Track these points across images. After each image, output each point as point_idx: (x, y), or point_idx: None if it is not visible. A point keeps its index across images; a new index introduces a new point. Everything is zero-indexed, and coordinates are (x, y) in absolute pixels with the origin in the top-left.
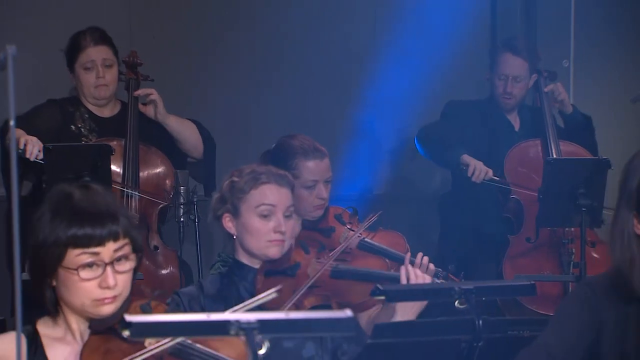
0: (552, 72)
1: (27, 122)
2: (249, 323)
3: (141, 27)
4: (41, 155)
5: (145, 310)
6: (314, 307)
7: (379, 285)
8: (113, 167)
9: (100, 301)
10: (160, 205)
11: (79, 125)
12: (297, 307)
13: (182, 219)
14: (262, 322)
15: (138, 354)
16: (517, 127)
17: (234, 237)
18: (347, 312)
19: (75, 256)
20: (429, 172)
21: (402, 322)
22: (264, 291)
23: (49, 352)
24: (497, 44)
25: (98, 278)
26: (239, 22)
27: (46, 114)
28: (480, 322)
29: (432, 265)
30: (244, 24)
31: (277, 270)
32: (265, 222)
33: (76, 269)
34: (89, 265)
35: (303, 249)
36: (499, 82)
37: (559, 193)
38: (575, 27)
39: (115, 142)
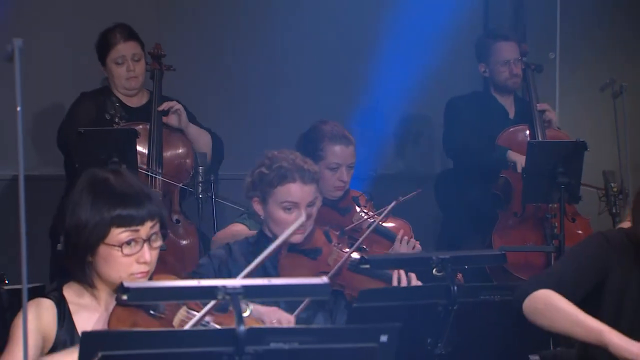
0: (539, 65)
1: (71, 123)
2: (234, 288)
3: (167, 22)
4: None
5: None
6: None
7: (364, 255)
8: (139, 148)
9: (134, 275)
10: (181, 184)
11: (112, 113)
12: None
13: (200, 196)
14: (246, 288)
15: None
16: (511, 114)
17: (262, 217)
18: (323, 279)
19: (118, 234)
20: (427, 154)
21: (385, 288)
22: (285, 264)
23: (76, 318)
24: (486, 37)
25: (137, 254)
26: (255, 20)
27: (83, 110)
28: (455, 288)
29: (418, 245)
30: (260, 23)
31: (299, 248)
32: (288, 214)
33: (120, 246)
34: (129, 242)
35: (327, 237)
36: (503, 69)
37: (540, 172)
38: (561, 22)
39: (140, 126)
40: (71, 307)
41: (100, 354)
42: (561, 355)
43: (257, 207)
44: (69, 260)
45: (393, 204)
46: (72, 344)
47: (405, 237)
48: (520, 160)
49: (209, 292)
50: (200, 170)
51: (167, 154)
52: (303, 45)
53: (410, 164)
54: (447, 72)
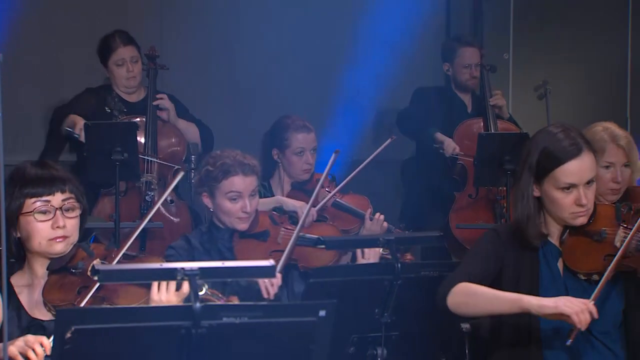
0: (493, 66)
1: (70, 108)
2: (192, 270)
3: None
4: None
5: (84, 249)
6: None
7: (320, 237)
8: (138, 139)
9: (53, 240)
10: (174, 168)
11: (112, 107)
12: None
13: (192, 180)
14: (202, 269)
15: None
16: (469, 109)
17: (211, 210)
18: (270, 261)
19: (32, 204)
20: (399, 143)
21: (337, 265)
22: (239, 249)
23: (21, 297)
24: (452, 41)
25: (50, 220)
26: (242, 22)
27: (83, 100)
28: (399, 265)
29: (385, 223)
30: (247, 26)
31: (249, 234)
32: (234, 204)
33: (32, 212)
34: (42, 211)
35: (272, 220)
36: (465, 70)
37: (489, 160)
38: (514, 25)
39: (138, 119)
40: (17, 289)
41: (73, 328)
42: (488, 323)
43: (207, 201)
44: (6, 240)
45: (333, 156)
46: (19, 318)
47: (377, 216)
48: (447, 141)
49: (169, 273)
50: (192, 158)
51: (162, 143)
52: (289, 46)
53: (385, 150)
54: (414, 70)
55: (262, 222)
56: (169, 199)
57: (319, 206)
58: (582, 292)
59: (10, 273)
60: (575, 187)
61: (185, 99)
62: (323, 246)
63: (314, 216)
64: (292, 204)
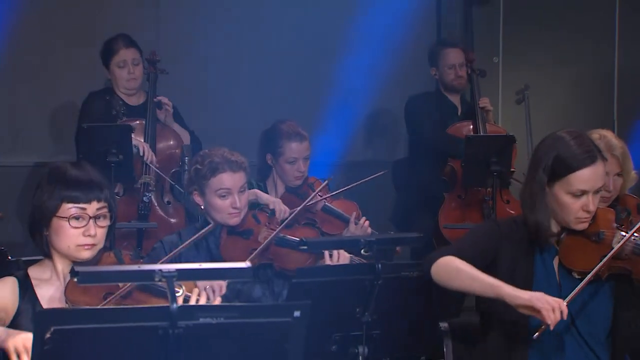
0: (482, 71)
1: (85, 118)
2: (169, 272)
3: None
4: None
5: (116, 255)
6: (260, 265)
7: (303, 238)
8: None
9: (82, 246)
10: (172, 171)
11: (117, 109)
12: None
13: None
14: (179, 271)
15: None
16: (459, 111)
17: (202, 208)
18: (246, 263)
19: (68, 209)
20: (391, 144)
21: (319, 266)
22: (225, 245)
23: (38, 291)
24: (436, 45)
25: (83, 228)
26: (236, 27)
27: (92, 107)
28: (379, 265)
29: (369, 230)
30: (242, 31)
31: (235, 231)
32: (223, 200)
33: (67, 218)
34: (76, 217)
35: (255, 219)
36: (449, 71)
37: (477, 161)
38: (503, 29)
39: (137, 122)
40: (34, 282)
41: (52, 328)
42: (466, 322)
43: (198, 199)
44: (32, 235)
45: (325, 182)
46: (33, 311)
47: (362, 220)
48: None
49: (147, 275)
50: (187, 160)
51: (160, 145)
52: (286, 51)
53: (377, 152)
54: (406, 74)
55: (248, 220)
56: (166, 200)
57: (301, 206)
58: (576, 295)
59: (29, 265)
60: (586, 193)
61: (183, 103)
62: (305, 247)
63: (285, 213)
64: (266, 198)
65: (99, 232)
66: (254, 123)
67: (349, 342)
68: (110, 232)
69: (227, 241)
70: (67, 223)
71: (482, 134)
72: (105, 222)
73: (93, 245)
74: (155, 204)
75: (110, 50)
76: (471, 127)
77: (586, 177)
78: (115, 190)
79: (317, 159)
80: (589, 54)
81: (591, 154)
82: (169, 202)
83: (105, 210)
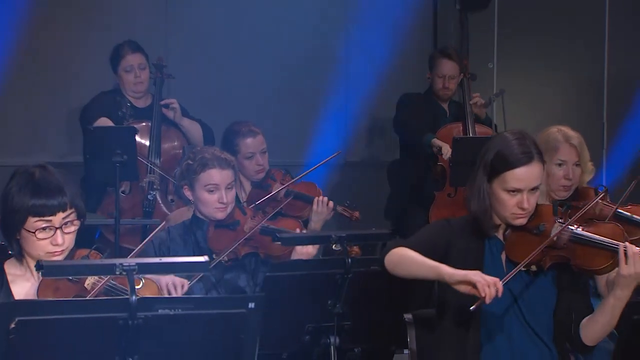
0: (473, 74)
1: (90, 110)
2: (129, 265)
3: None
4: None
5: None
6: (246, 254)
7: (277, 234)
8: (142, 142)
9: (51, 253)
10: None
11: (124, 111)
12: (235, 253)
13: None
14: (140, 265)
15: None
16: (448, 114)
17: (191, 202)
18: (204, 257)
19: (34, 222)
20: (389, 146)
21: (294, 260)
22: (212, 237)
23: (13, 286)
24: (437, 52)
25: (50, 238)
26: (242, 33)
27: (98, 103)
28: (349, 260)
29: (331, 203)
30: (245, 36)
31: (223, 224)
32: (212, 195)
33: (34, 232)
34: (44, 229)
35: (241, 210)
36: (439, 80)
37: (463, 161)
38: (498, 35)
39: (144, 124)
40: (9, 277)
41: (17, 319)
42: (428, 312)
43: (187, 193)
44: (5, 237)
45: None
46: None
47: (321, 198)
48: (444, 146)
49: (108, 268)
50: None
51: (165, 145)
52: (289, 56)
53: (375, 153)
54: (403, 80)
55: (235, 213)
56: (170, 198)
57: (269, 195)
58: (522, 284)
59: (4, 259)
60: (520, 191)
61: (189, 108)
62: (279, 242)
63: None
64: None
65: (67, 239)
66: (259, 126)
67: (321, 333)
68: (80, 228)
69: (215, 234)
70: (35, 236)
71: (471, 135)
72: (73, 227)
73: (62, 251)
74: (160, 202)
75: (118, 55)
76: (461, 128)
77: (521, 175)
78: (122, 189)
79: (317, 159)
80: (580, 60)
81: (528, 154)
82: (172, 201)
83: (73, 215)
